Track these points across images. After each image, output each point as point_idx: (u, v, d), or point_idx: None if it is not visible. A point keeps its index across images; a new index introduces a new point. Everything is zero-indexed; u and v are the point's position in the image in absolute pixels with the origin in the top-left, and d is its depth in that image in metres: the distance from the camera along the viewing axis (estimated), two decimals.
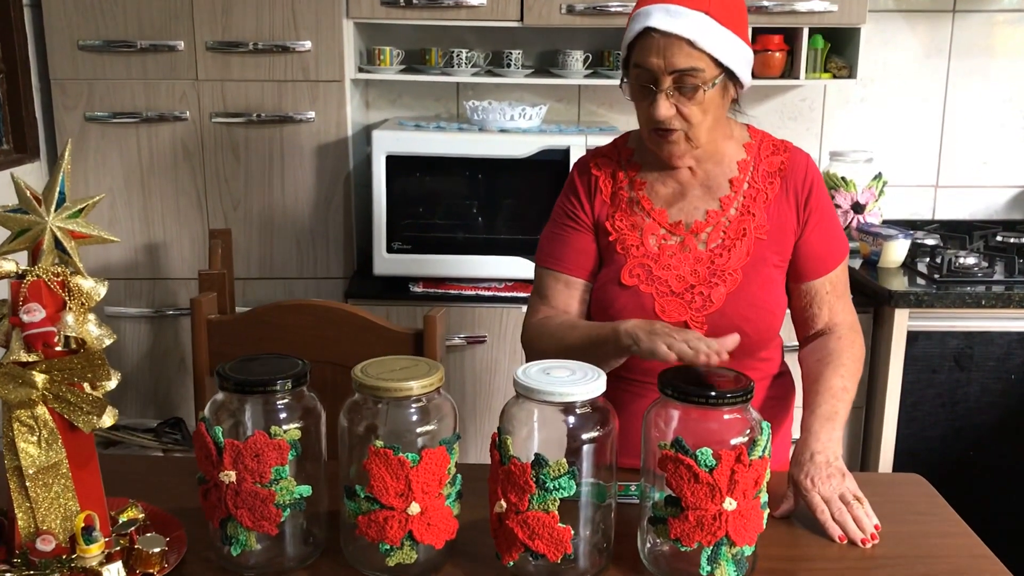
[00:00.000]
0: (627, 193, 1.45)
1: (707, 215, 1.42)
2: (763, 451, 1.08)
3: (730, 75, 1.35)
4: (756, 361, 1.45)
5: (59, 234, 1.09)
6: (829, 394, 1.35)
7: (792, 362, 1.52)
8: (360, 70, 2.55)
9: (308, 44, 2.36)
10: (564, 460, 1.06)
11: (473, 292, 2.37)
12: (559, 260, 1.48)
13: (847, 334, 1.44)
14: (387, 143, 2.33)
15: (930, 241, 2.60)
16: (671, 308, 1.40)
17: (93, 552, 1.08)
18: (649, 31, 1.31)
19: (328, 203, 2.45)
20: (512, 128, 2.44)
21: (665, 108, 1.32)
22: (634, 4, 1.39)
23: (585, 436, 1.10)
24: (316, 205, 2.46)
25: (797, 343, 1.51)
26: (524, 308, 1.56)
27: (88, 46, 2.35)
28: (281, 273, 2.48)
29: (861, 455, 2.42)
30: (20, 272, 1.06)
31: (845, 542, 1.21)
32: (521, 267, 2.35)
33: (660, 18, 1.30)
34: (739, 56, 1.34)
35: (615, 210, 1.45)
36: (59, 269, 1.08)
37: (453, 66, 2.57)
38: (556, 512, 1.07)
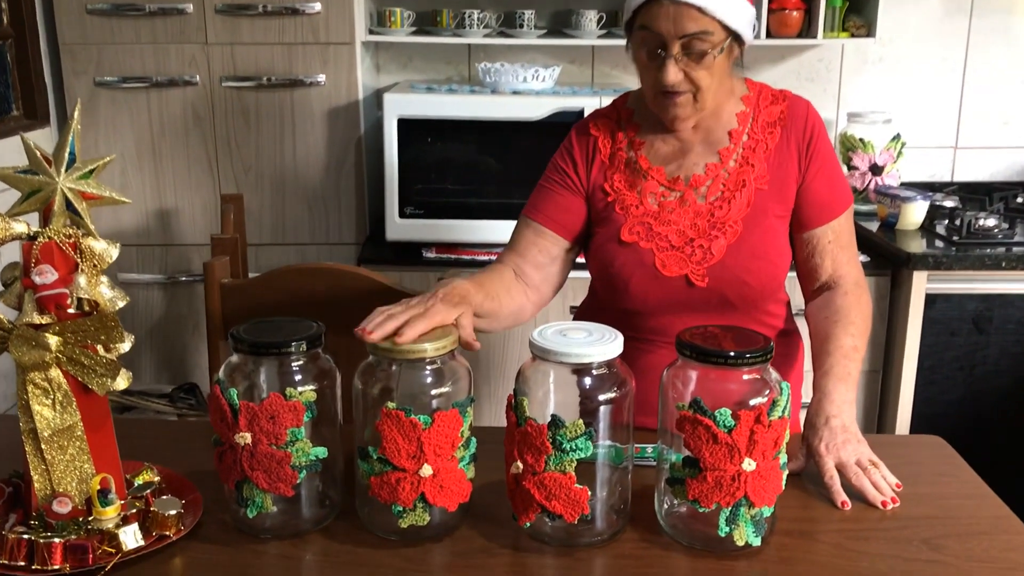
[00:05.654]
0: (625, 154, 1.44)
1: (706, 168, 1.41)
2: (783, 411, 1.07)
3: (736, 37, 1.34)
4: (761, 314, 1.44)
5: (70, 195, 1.07)
6: (840, 354, 1.33)
7: (800, 323, 1.50)
8: (371, 32, 2.52)
9: (318, 6, 2.33)
10: (581, 421, 1.05)
11: (486, 257, 2.36)
12: (536, 209, 1.47)
13: (853, 290, 1.42)
14: (399, 106, 2.31)
15: (949, 203, 2.57)
16: (671, 262, 1.39)
17: (109, 514, 1.08)
18: None
19: (339, 168, 2.44)
20: (525, 90, 2.41)
21: (674, 73, 1.31)
22: None
23: (602, 397, 1.08)
24: (327, 170, 2.44)
25: (804, 304, 1.49)
26: None
27: (96, 10, 2.33)
28: (294, 239, 2.48)
29: (878, 419, 2.41)
30: (32, 234, 1.06)
31: (848, 508, 1.19)
32: None
33: None
34: (744, 17, 1.33)
35: (613, 171, 1.44)
36: (71, 231, 1.07)
37: (465, 27, 2.54)
38: (573, 473, 1.06)
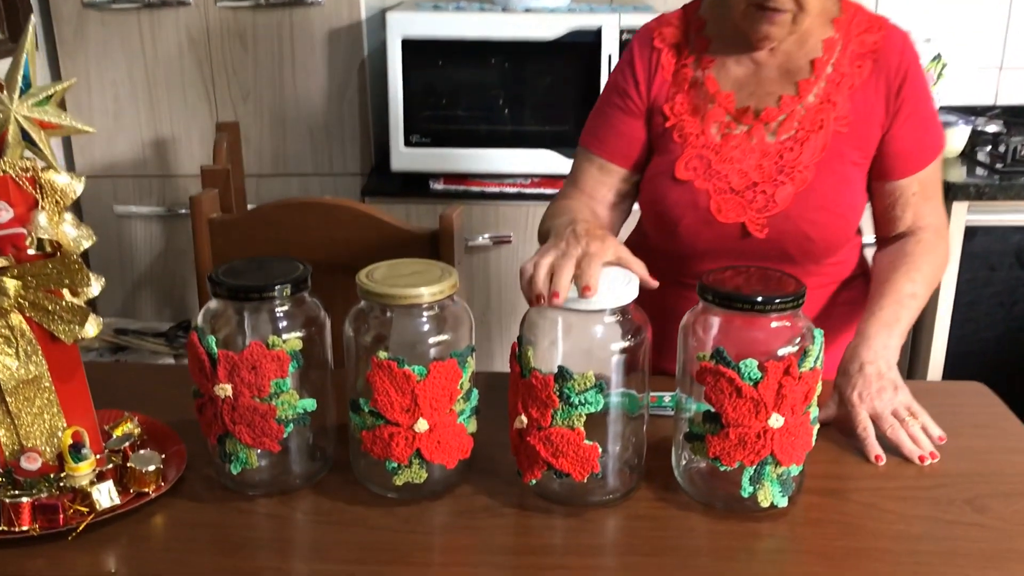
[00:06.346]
0: (692, 72, 1.29)
1: (780, 101, 1.26)
2: (815, 362, 0.97)
3: None
4: (822, 267, 1.32)
5: (25, 124, 0.98)
6: (894, 298, 1.21)
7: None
8: None
9: None
10: (591, 373, 0.96)
11: (497, 189, 2.24)
12: (599, 141, 1.34)
13: (929, 238, 1.29)
14: (402, 26, 2.17)
15: (992, 128, 2.45)
16: (728, 208, 1.26)
17: (83, 470, 1.00)
18: None
19: (342, 94, 2.32)
20: (538, 7, 2.26)
21: None
22: None
23: (615, 346, 0.99)
24: (329, 96, 2.32)
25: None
26: None
27: None
28: (295, 169, 2.38)
29: (910, 358, 2.33)
30: None
31: (882, 463, 1.10)
32: (549, 161, 2.21)
33: None
34: None
35: (676, 91, 1.29)
36: (28, 164, 0.98)
37: None
38: (582, 428, 0.97)
